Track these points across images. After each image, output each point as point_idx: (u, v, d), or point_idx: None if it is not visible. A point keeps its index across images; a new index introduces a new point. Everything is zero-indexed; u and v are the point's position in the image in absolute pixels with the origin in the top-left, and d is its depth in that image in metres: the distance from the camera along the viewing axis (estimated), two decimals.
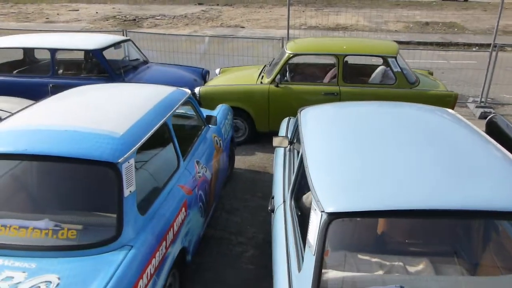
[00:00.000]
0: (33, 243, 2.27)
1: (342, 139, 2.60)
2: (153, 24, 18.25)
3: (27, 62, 6.81)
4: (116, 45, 6.29)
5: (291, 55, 5.69)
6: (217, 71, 7.02)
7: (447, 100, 5.53)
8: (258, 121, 5.91)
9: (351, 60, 6.05)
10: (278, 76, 5.72)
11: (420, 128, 2.78)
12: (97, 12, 21.90)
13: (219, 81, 6.28)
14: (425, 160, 2.29)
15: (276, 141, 3.53)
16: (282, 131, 4.30)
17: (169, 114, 3.15)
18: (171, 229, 2.75)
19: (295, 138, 3.50)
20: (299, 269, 2.07)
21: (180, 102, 3.46)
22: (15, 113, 3.07)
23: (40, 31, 11.82)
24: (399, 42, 12.48)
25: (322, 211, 1.92)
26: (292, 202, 2.68)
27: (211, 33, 16.09)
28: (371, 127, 2.75)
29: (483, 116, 6.98)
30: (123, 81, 5.95)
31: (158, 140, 3.04)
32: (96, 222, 2.43)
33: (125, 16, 20.38)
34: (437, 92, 5.60)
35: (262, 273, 3.49)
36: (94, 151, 2.43)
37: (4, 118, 4.38)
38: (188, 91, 3.78)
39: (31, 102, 5.11)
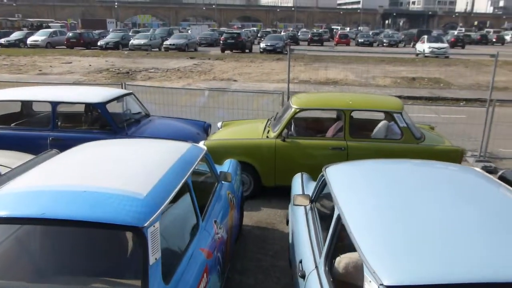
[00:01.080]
0: None
1: (379, 199, 2.48)
2: (146, 77, 18.48)
3: (25, 115, 6.68)
4: (119, 98, 6.23)
5: (298, 110, 5.69)
6: (219, 124, 6.97)
7: (454, 156, 5.53)
8: (264, 175, 5.79)
9: (355, 115, 6.09)
10: (285, 131, 5.68)
11: (452, 187, 2.69)
12: (90, 65, 22.19)
13: (223, 135, 6.22)
14: (468, 221, 2.18)
15: (297, 200, 3.39)
16: (297, 188, 4.17)
17: (189, 172, 3.01)
18: None
19: (317, 197, 3.37)
20: None
21: (199, 159, 3.33)
22: (22, 171, 2.89)
23: (34, 83, 11.81)
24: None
25: (380, 284, 1.75)
26: (327, 268, 2.49)
27: (204, 86, 16.33)
28: (405, 186, 2.65)
29: (486, 171, 6.98)
30: (126, 135, 5.84)
31: (178, 200, 2.87)
32: None
33: (118, 69, 20.66)
34: (444, 147, 5.61)
35: None
36: (118, 215, 2.25)
37: (4, 174, 4.17)
38: (204, 147, 3.67)
39: (30, 156, 4.92)
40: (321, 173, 3.24)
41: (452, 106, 12.75)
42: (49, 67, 21.46)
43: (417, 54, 27.93)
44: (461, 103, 14.17)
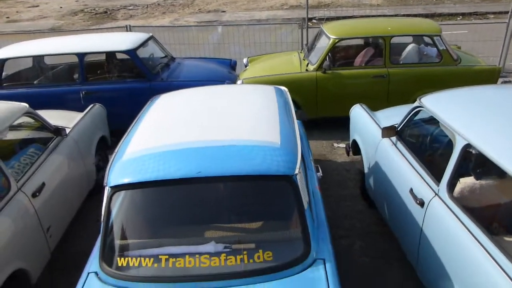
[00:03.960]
0: (233, 270, 2.11)
1: (497, 123, 2.58)
2: (128, 15, 17.45)
3: (40, 70, 6.27)
4: (145, 43, 5.93)
5: (337, 40, 5.58)
6: (245, 61, 6.81)
7: (492, 74, 5.63)
8: (306, 108, 5.80)
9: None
10: (325, 62, 5.61)
11: None
12: (61, 7, 20.61)
13: (256, 72, 6.08)
14: None
15: (386, 133, 3.47)
16: (365, 120, 4.21)
17: (294, 115, 3.01)
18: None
19: (405, 127, 3.45)
20: None
21: (290, 101, 3.31)
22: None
23: (10, 33, 11.01)
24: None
25: None
26: (451, 193, 2.63)
27: (193, 20, 15.60)
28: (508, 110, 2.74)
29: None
30: (161, 81, 5.66)
31: None
32: (283, 239, 2.30)
33: (94, 9, 19.34)
34: (482, 67, 5.68)
35: (380, 264, 3.48)
36: (270, 166, 2.27)
37: (68, 134, 4.05)
38: (285, 88, 3.62)
39: (78, 113, 4.77)
40: (415, 104, 3.28)
41: (450, 22, 12.67)
42: (15, 13, 19.87)
43: None
44: (458, 18, 14.12)
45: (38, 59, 6.19)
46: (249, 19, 14.95)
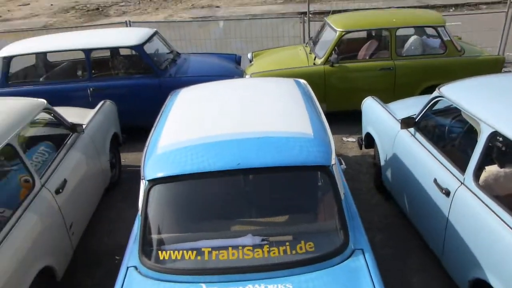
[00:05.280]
0: (277, 261, 2.14)
1: None
2: (120, 12, 17.27)
3: (45, 68, 6.21)
4: (151, 38, 5.90)
5: (343, 33, 5.62)
6: (249, 55, 6.81)
7: (496, 64, 5.72)
8: None
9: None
10: (332, 55, 5.64)
11: None
12: (52, 4, 20.31)
13: (263, 66, 6.09)
14: None
15: (405, 124, 3.51)
16: (379, 113, 4.25)
17: (319, 107, 3.04)
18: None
19: (423, 118, 3.50)
20: None
21: (312, 93, 3.33)
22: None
23: (2, 32, 10.82)
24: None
25: None
26: (477, 182, 2.69)
27: (187, 16, 15.51)
28: None
29: None
30: (170, 76, 5.64)
31: None
32: (322, 230, 2.33)
33: (85, 6, 19.10)
34: (486, 57, 5.77)
35: (403, 254, 3.54)
36: (308, 157, 2.30)
37: (84, 130, 4.01)
38: (304, 81, 3.64)
39: (89, 110, 4.74)
40: (434, 94, 3.33)
41: (444, 14, 12.76)
42: (7, 11, 19.54)
43: None
44: (451, 9, 14.26)
45: (42, 56, 6.12)
46: (244, 14, 14.90)
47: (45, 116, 3.80)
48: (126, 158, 5.44)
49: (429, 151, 3.26)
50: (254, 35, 8.03)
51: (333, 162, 2.34)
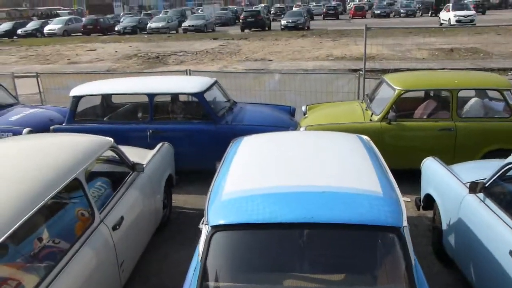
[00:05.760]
0: None
1: None
2: (178, 61, 18.30)
3: (108, 108, 6.58)
4: (211, 86, 6.13)
5: (402, 92, 5.57)
6: (304, 108, 6.88)
7: None
8: None
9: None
10: (390, 113, 5.57)
11: None
12: (116, 51, 21.97)
13: (319, 119, 6.10)
14: None
15: (473, 188, 3.33)
16: (442, 175, 4.07)
17: (385, 164, 2.95)
18: None
19: (494, 182, 3.29)
20: None
21: (377, 149, 3.26)
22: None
23: (77, 74, 11.71)
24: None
25: None
26: None
27: (241, 67, 16.14)
28: None
29: None
30: (226, 124, 5.77)
31: None
32: None
33: (146, 54, 20.46)
34: None
35: None
36: (379, 216, 2.20)
37: (143, 169, 4.12)
38: (367, 137, 3.59)
39: (148, 150, 4.89)
40: (508, 160, 3.15)
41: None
42: (75, 55, 21.29)
43: (441, 24, 27.31)
44: (509, 73, 13.90)
45: (108, 97, 6.51)
46: (296, 68, 15.31)
47: (108, 153, 3.96)
48: (176, 199, 5.50)
49: (503, 220, 3.04)
50: (308, 89, 8.15)
51: (405, 224, 2.22)
